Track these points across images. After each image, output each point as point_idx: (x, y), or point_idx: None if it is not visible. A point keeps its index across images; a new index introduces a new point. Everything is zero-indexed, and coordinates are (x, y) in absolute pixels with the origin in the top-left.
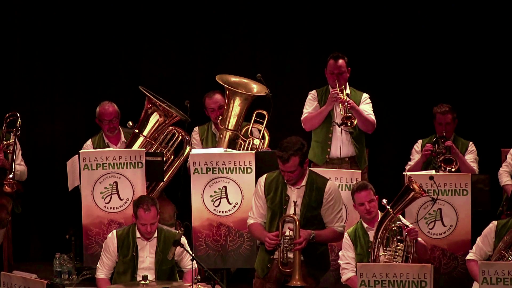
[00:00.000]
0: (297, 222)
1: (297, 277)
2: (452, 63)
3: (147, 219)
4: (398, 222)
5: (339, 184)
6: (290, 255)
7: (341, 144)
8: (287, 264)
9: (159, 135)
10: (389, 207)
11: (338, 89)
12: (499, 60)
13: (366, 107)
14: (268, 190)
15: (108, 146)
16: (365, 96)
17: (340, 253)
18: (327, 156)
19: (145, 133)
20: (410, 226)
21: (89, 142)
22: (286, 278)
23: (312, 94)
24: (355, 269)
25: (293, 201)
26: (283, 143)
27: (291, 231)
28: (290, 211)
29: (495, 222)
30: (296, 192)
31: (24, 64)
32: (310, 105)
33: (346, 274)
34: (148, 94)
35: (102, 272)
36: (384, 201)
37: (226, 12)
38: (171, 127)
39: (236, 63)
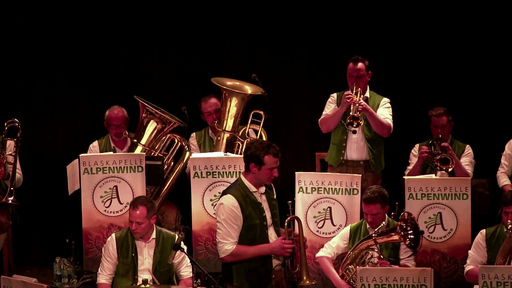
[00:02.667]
0: (301, 222)
1: (305, 277)
2: (450, 65)
3: (133, 217)
4: (376, 252)
5: (339, 188)
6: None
7: (356, 147)
8: (294, 267)
9: (158, 143)
10: (375, 232)
11: (352, 91)
12: (499, 62)
13: (384, 111)
14: (245, 208)
15: (115, 150)
16: (385, 100)
17: (335, 237)
18: (341, 158)
19: (143, 141)
20: (384, 260)
21: (95, 143)
22: (295, 280)
23: (332, 97)
24: (330, 254)
25: (288, 203)
26: (263, 143)
27: (292, 233)
28: (268, 215)
29: (483, 231)
30: (261, 197)
31: (25, 69)
32: (329, 108)
33: (318, 253)
34: (143, 103)
35: (103, 277)
36: (406, 243)
37: (226, 14)
38: (169, 134)
39: (236, 65)
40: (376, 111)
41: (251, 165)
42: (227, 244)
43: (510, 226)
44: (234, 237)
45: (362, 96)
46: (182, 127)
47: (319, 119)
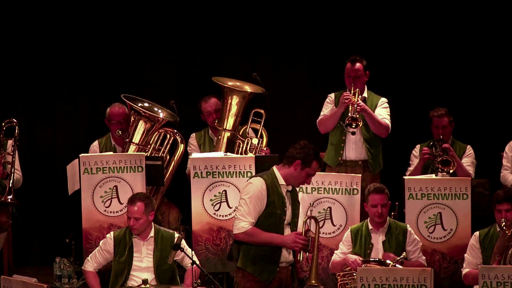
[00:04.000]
0: (319, 224)
1: (313, 278)
2: (451, 66)
3: (130, 212)
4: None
5: (339, 188)
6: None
7: (354, 147)
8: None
9: (151, 139)
10: (395, 262)
11: (351, 92)
12: (499, 63)
13: (382, 111)
14: (271, 195)
15: (115, 148)
16: (383, 100)
17: (340, 244)
18: (340, 159)
19: (135, 140)
20: None
21: (95, 143)
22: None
23: (330, 97)
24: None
25: (310, 203)
26: (316, 150)
27: (309, 232)
28: (288, 213)
29: (476, 233)
30: (286, 193)
31: (25, 68)
32: (327, 108)
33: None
34: (130, 103)
35: (91, 265)
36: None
37: (226, 14)
38: (161, 129)
39: (236, 65)
40: (374, 111)
41: (297, 162)
42: (244, 222)
43: (503, 224)
44: (252, 218)
45: (360, 96)
46: (172, 122)
47: (317, 120)
